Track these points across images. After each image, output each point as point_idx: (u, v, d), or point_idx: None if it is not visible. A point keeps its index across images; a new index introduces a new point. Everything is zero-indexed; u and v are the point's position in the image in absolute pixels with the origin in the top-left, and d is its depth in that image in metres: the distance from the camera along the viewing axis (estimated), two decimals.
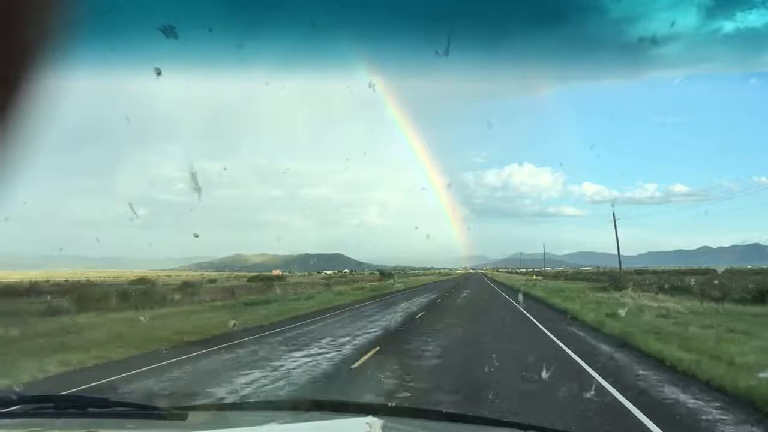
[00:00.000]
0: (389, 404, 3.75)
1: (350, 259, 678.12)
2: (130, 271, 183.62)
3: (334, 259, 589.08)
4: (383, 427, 1.99)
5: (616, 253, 48.10)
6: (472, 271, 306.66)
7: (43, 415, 2.27)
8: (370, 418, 2.05)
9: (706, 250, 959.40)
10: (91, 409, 2.30)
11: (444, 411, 2.80)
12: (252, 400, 6.53)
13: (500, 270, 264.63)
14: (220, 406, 3.46)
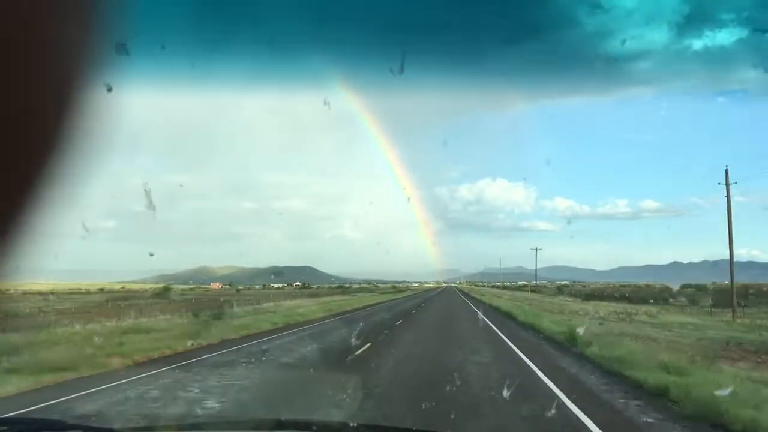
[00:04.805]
0: (352, 424, 3.07)
1: (320, 272, 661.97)
2: (90, 284, 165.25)
3: (304, 272, 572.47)
4: None
5: (589, 267, 38.66)
6: (444, 284, 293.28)
7: None
8: None
9: (676, 265, 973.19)
10: None
11: (406, 428, 3.09)
12: (214, 421, 5.52)
13: (481, 284, 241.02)
14: (180, 427, 3.16)
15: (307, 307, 38.60)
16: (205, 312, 27.95)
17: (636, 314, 35.32)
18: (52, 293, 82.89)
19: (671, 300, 58.20)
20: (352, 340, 17.10)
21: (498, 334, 21.86)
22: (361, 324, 24.50)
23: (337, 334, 20.87)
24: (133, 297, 68.23)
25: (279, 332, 22.48)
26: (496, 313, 38.89)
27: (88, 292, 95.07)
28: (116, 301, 53.57)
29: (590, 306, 46.62)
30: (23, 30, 0.74)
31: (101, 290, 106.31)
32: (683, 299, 57.48)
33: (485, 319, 30.57)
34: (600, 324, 25.52)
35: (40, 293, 75.90)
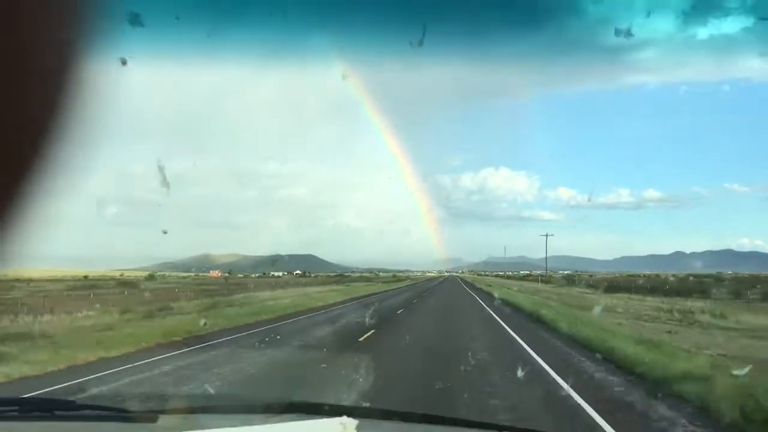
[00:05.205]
0: (364, 405, 3.46)
1: (323, 260, 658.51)
2: (92, 271, 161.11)
3: (306, 261, 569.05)
4: (357, 428, 1.98)
5: (592, 257, 31.42)
6: (446, 273, 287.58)
7: (7, 418, 2.20)
8: (344, 419, 2.08)
9: (679, 255, 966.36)
10: (58, 412, 2.25)
11: (419, 413, 2.75)
12: (224, 403, 4.47)
13: (484, 274, 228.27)
14: (191, 409, 2.94)
15: (280, 300, 32.35)
16: (146, 307, 22.40)
17: (693, 313, 27.15)
18: (30, 281, 78.01)
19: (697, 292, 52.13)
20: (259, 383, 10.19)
21: (551, 375, 11.11)
22: (311, 335, 17.44)
23: (254, 360, 12.60)
24: (107, 286, 63.26)
25: (174, 348, 14.20)
26: (517, 313, 27.59)
27: (72, 279, 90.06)
28: (78, 291, 48.27)
29: (621, 301, 37.48)
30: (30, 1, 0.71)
31: (85, 277, 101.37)
32: (723, 291, 51.88)
33: (509, 330, 19.72)
34: (670, 332, 17.81)
35: (18, 281, 71.06)
